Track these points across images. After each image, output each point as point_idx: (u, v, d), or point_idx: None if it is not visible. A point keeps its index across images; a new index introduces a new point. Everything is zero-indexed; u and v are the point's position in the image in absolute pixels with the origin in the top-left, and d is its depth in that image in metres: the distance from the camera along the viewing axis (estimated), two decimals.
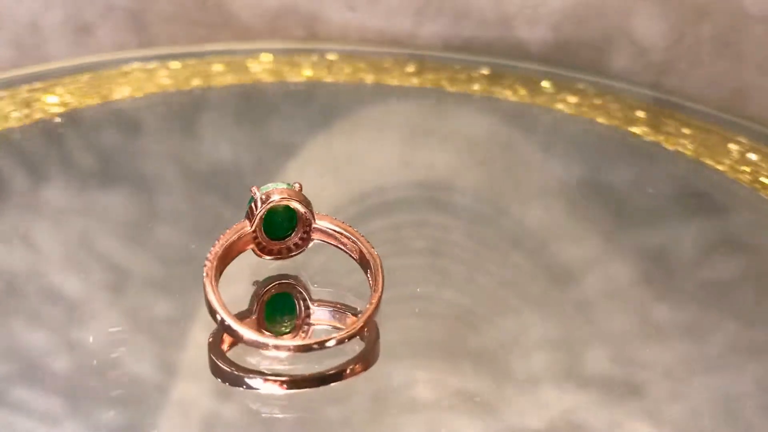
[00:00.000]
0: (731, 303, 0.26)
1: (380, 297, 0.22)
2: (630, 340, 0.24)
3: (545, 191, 0.31)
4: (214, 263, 0.22)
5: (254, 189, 0.23)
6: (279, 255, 0.24)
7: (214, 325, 0.22)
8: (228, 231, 0.23)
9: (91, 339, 0.23)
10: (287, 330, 0.23)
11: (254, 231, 0.23)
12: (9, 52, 0.40)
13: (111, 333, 0.23)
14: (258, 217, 0.23)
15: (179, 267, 0.26)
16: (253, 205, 0.23)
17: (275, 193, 0.23)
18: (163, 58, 0.37)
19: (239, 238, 0.23)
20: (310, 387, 0.22)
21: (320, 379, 0.22)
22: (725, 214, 0.30)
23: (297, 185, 0.23)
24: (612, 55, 0.40)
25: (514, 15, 0.40)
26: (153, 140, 0.33)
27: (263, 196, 0.23)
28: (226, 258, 0.23)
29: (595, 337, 0.24)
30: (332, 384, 0.22)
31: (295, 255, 0.24)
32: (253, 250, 0.24)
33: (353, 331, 0.22)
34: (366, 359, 0.22)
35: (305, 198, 0.23)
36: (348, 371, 0.22)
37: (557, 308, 0.25)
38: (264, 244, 0.24)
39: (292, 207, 0.23)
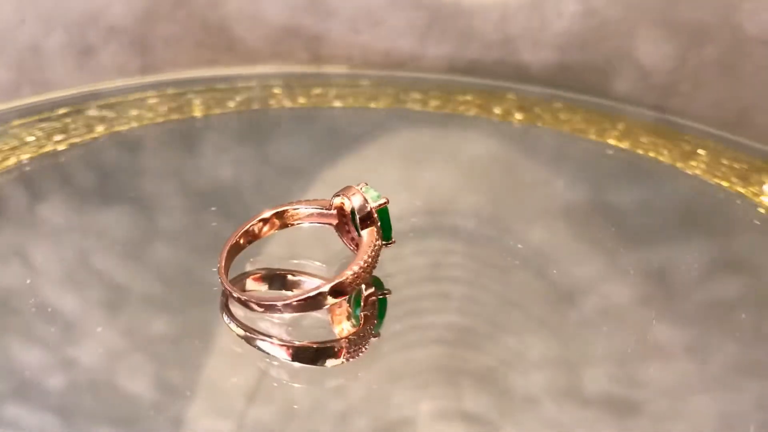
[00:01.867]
0: (732, 323, 0.25)
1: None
2: (630, 360, 0.24)
3: (547, 212, 0.31)
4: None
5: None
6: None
7: (212, 346, 0.22)
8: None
9: (85, 357, 0.23)
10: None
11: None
12: (10, 75, 0.40)
13: (107, 351, 0.23)
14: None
15: (177, 285, 0.26)
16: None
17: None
18: (166, 85, 0.37)
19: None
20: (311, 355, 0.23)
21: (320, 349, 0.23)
22: (726, 235, 0.30)
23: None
24: (615, 78, 0.40)
25: (518, 37, 0.41)
26: (153, 159, 0.33)
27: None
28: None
29: (595, 356, 0.24)
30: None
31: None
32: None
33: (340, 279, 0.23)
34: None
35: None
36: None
37: (558, 327, 0.25)
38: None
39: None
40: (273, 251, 0.27)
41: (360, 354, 0.23)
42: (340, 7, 0.41)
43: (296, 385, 0.23)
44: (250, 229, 0.25)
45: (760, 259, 0.29)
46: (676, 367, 0.24)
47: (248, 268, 0.26)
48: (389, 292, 0.25)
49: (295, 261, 0.26)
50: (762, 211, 0.31)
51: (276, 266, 0.26)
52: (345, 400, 0.22)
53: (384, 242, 0.24)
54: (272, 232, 0.26)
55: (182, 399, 0.22)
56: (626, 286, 0.27)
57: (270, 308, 0.23)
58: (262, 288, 0.26)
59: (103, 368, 0.23)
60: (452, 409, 0.22)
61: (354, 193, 0.24)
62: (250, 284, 0.25)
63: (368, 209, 0.24)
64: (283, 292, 0.26)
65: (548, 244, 0.29)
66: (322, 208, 0.25)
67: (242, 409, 0.22)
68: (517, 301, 0.26)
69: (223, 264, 0.24)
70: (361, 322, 0.24)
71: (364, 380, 0.23)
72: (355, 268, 0.23)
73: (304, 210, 0.26)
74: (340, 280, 0.23)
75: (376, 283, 0.25)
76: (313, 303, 0.23)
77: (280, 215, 0.26)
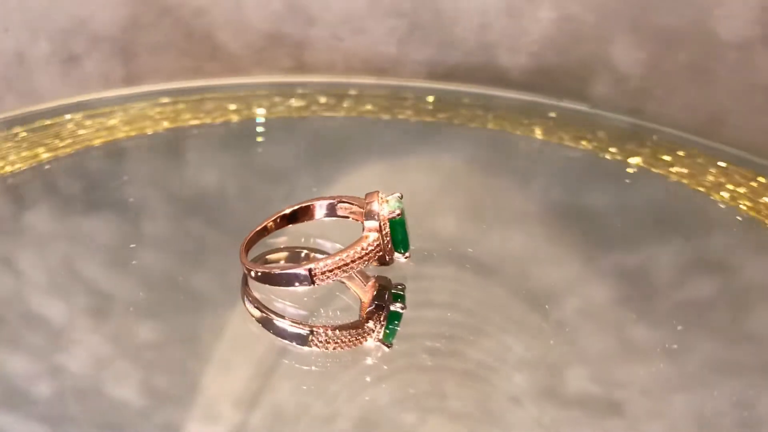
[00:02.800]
0: (708, 322, 0.26)
1: None
2: (609, 360, 0.24)
3: (525, 215, 0.31)
4: None
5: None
6: None
7: (197, 352, 0.23)
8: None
9: (72, 364, 0.23)
10: None
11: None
12: None
13: (94, 358, 0.23)
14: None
15: (163, 291, 0.26)
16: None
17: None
18: (151, 94, 0.37)
19: None
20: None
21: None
22: (702, 236, 0.31)
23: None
24: (591, 83, 0.41)
25: (497, 43, 0.41)
26: (138, 167, 0.33)
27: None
28: None
29: (574, 357, 0.24)
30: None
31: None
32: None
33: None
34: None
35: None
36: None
37: (538, 329, 0.25)
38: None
39: None
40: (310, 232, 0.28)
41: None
42: (322, 15, 0.41)
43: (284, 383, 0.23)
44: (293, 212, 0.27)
45: (734, 260, 0.29)
46: (655, 367, 0.24)
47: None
48: (404, 308, 0.25)
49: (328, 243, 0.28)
50: (736, 211, 0.31)
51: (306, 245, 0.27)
52: (327, 399, 0.22)
53: (403, 253, 0.25)
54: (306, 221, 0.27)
55: (169, 405, 0.22)
56: (604, 287, 0.27)
57: (260, 277, 0.24)
58: (280, 262, 0.27)
59: (90, 375, 0.23)
60: (435, 410, 0.22)
61: (372, 201, 0.25)
62: (271, 257, 0.27)
63: (374, 216, 0.24)
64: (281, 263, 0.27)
65: (527, 247, 0.29)
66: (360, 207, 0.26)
67: (230, 415, 0.22)
68: (496, 304, 0.26)
69: (245, 242, 0.25)
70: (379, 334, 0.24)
71: (345, 380, 0.23)
72: (328, 261, 0.24)
73: (346, 205, 0.26)
74: (311, 266, 0.23)
75: (398, 297, 0.25)
76: (288, 279, 0.24)
77: (331, 207, 0.27)
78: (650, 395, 0.23)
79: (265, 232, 0.26)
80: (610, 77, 0.40)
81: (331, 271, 0.24)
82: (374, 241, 0.24)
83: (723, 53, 0.38)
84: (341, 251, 0.24)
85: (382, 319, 0.24)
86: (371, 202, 0.25)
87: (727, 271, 0.29)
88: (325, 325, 0.24)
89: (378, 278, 0.26)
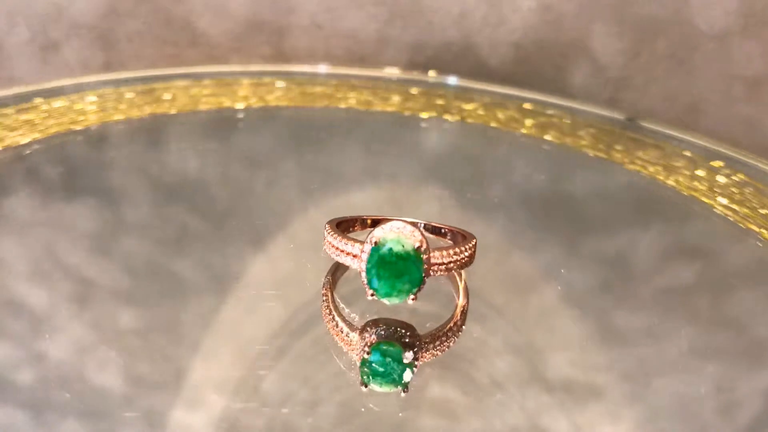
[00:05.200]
0: (688, 308, 0.26)
1: None
2: (590, 345, 0.25)
3: (507, 202, 0.32)
4: None
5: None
6: None
7: (181, 339, 0.22)
8: None
9: (54, 351, 0.23)
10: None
11: None
12: None
13: (77, 345, 0.23)
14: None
15: (145, 278, 0.26)
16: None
17: None
18: (131, 82, 0.37)
19: None
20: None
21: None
22: (680, 223, 0.31)
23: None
24: (571, 72, 0.41)
25: (476, 32, 0.41)
26: (119, 153, 0.33)
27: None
28: None
29: (556, 342, 0.25)
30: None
31: None
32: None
33: None
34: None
35: None
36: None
37: (519, 315, 0.26)
38: None
39: None
40: None
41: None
42: (302, 2, 0.41)
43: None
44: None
45: (713, 246, 0.29)
46: (635, 352, 0.24)
47: None
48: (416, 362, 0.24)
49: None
50: (713, 200, 0.31)
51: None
52: (311, 386, 0.22)
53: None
54: None
55: (152, 391, 0.22)
56: (584, 273, 0.27)
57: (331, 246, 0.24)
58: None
59: (72, 362, 0.22)
60: (418, 396, 0.22)
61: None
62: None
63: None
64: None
65: (509, 232, 0.30)
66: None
67: (213, 401, 0.22)
68: (479, 290, 0.26)
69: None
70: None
71: (330, 368, 0.23)
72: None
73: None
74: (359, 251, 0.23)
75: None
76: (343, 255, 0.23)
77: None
78: (631, 380, 0.23)
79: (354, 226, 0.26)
80: (589, 67, 0.41)
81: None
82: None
83: (701, 44, 0.39)
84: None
85: (369, 344, 0.23)
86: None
87: (705, 257, 0.29)
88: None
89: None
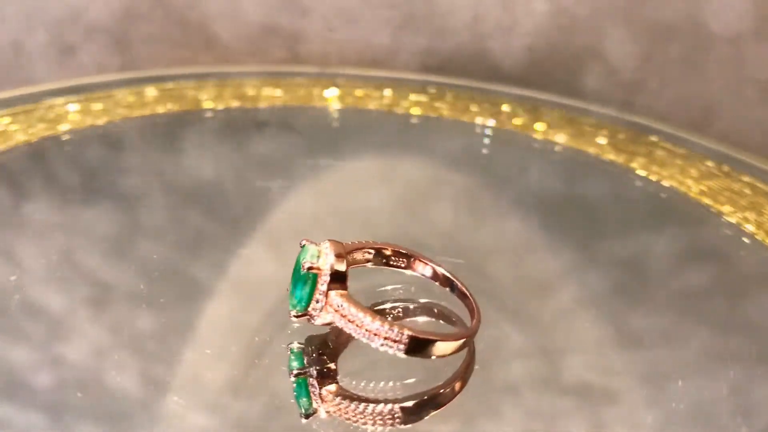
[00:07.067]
0: (704, 311, 0.26)
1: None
2: (606, 348, 0.25)
3: (521, 205, 0.32)
4: None
5: None
6: None
7: (196, 340, 0.22)
8: None
9: (72, 354, 0.23)
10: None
11: None
12: None
13: (94, 348, 0.23)
14: None
15: (162, 282, 0.26)
16: None
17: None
18: (147, 81, 0.37)
19: None
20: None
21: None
22: (695, 227, 0.31)
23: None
24: (584, 75, 0.41)
25: (489, 35, 0.41)
26: (135, 156, 0.33)
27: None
28: None
29: (572, 345, 0.25)
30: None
31: None
32: None
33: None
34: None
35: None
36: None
37: (535, 318, 0.26)
38: None
39: None
40: None
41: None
42: (316, 6, 0.41)
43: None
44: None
45: (728, 249, 0.29)
46: (651, 355, 0.24)
47: None
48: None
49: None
50: (724, 205, 0.31)
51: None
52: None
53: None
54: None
55: (169, 394, 0.22)
56: (600, 276, 0.27)
57: None
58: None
59: (89, 365, 0.23)
60: (432, 399, 0.22)
61: None
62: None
63: None
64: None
65: (523, 235, 0.30)
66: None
67: (227, 404, 0.22)
68: (494, 292, 0.26)
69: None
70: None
71: (342, 369, 0.23)
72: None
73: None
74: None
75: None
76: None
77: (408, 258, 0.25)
78: (647, 383, 0.23)
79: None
80: (603, 70, 0.41)
81: None
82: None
83: (715, 46, 0.39)
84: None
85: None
86: None
87: (721, 260, 0.29)
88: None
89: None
